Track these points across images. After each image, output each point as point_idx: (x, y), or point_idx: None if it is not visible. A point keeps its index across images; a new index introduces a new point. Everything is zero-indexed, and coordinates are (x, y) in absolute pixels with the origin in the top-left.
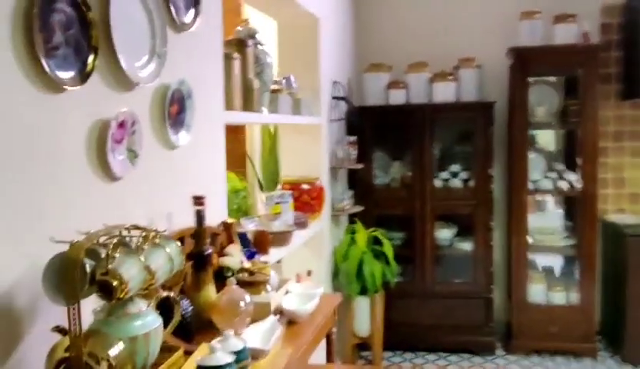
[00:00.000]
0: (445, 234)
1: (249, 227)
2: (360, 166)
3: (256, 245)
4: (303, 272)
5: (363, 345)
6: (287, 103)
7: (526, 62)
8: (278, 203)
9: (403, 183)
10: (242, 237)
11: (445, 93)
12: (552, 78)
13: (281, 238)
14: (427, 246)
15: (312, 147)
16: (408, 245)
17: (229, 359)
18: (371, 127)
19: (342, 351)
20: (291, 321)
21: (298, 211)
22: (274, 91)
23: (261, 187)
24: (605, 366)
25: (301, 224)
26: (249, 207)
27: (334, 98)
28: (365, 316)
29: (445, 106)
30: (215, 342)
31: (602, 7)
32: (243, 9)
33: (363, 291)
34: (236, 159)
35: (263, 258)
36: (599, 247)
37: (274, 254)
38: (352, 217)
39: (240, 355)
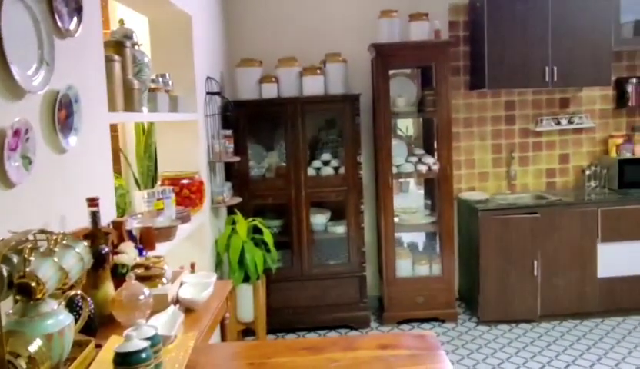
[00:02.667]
0: (319, 219)
1: (134, 224)
2: (237, 159)
3: (142, 242)
4: (187, 265)
5: (247, 331)
6: (165, 101)
7: (386, 57)
8: (160, 199)
9: (278, 173)
10: (129, 235)
11: (314, 86)
12: (410, 71)
13: (166, 233)
14: (303, 232)
15: (190, 142)
16: (286, 232)
17: (145, 344)
18: (245, 120)
19: (228, 338)
20: (188, 309)
21: (180, 205)
22: (152, 90)
23: (138, 185)
24: (465, 327)
25: (183, 218)
26: (126, 204)
27: (208, 93)
28: (249, 303)
29: (315, 99)
30: (129, 331)
31: (450, 6)
32: (110, 6)
33: (245, 279)
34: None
35: (150, 254)
36: (456, 222)
37: (160, 249)
38: (232, 209)
39: (153, 340)
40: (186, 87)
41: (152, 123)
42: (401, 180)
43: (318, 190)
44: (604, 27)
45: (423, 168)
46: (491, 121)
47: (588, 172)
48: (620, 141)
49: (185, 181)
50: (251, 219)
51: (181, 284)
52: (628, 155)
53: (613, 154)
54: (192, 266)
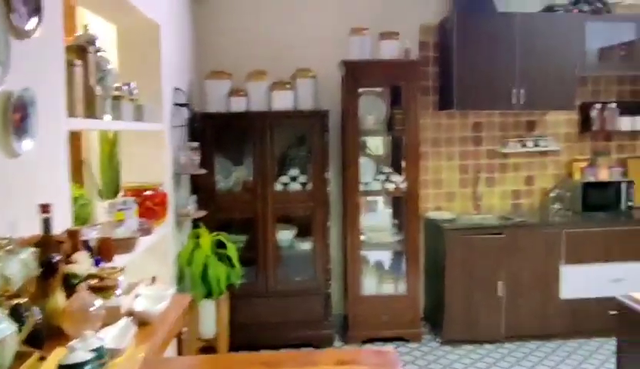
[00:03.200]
0: (285, 235)
1: (92, 234)
2: (202, 171)
3: (100, 253)
4: (148, 278)
5: (209, 348)
6: (129, 109)
7: (356, 74)
8: (121, 210)
9: (245, 187)
10: (85, 245)
11: (283, 101)
12: (380, 89)
13: (126, 245)
14: (269, 247)
15: (155, 153)
16: (251, 247)
17: (89, 356)
18: (213, 133)
19: (186, 354)
20: (143, 323)
21: (142, 217)
22: (116, 98)
23: (101, 195)
24: (429, 347)
25: (145, 231)
26: (88, 215)
27: (175, 104)
28: (211, 319)
29: (284, 114)
30: (74, 342)
31: (421, 27)
32: (78, 13)
33: (208, 295)
34: (72, 166)
35: (108, 265)
36: (422, 241)
37: (118, 260)
38: (196, 222)
39: (99, 352)
40: (152, 96)
41: (118, 132)
42: (369, 198)
43: (285, 205)
44: (570, 52)
45: (391, 186)
46: (459, 142)
47: (552, 194)
48: (584, 164)
49: (148, 193)
50: (215, 233)
51: (137, 296)
52: (592, 179)
53: (577, 177)
54: (153, 279)
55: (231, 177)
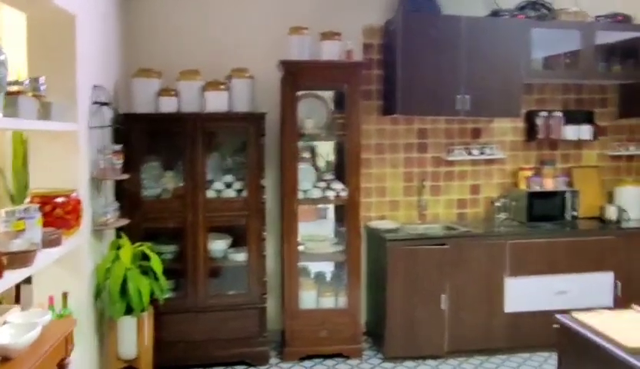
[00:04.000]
0: (218, 245)
1: None
2: (125, 176)
3: None
4: (57, 294)
5: None
6: (31, 106)
7: (295, 76)
8: (21, 219)
9: (175, 194)
10: None
11: (217, 102)
12: (321, 92)
13: (22, 259)
14: (199, 259)
15: (68, 156)
16: (180, 259)
17: None
18: (140, 135)
19: None
20: (5, 358)
21: (51, 226)
22: (12, 93)
23: (13, 201)
24: (369, 364)
25: (52, 242)
26: None
27: (95, 103)
28: (132, 337)
29: (218, 116)
30: None
31: (364, 28)
32: None
33: (128, 310)
34: None
35: None
36: (364, 252)
37: (12, 277)
38: (120, 232)
39: None
40: (66, 94)
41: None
42: (309, 206)
43: (218, 214)
44: (515, 59)
45: (331, 194)
46: (404, 149)
47: (497, 204)
48: (529, 173)
49: (59, 200)
50: (138, 244)
51: (4, 324)
52: (537, 188)
53: (522, 186)
54: (65, 296)
55: (161, 183)
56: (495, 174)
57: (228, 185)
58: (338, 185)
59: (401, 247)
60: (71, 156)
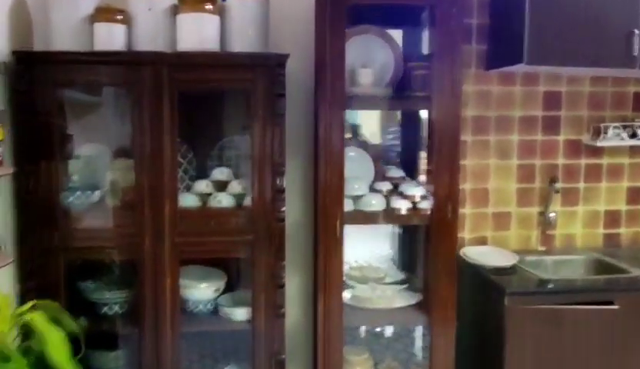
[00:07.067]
0: (202, 292)
1: None
2: (9, 171)
3: None
4: None
5: None
6: None
7: None
8: None
9: (124, 202)
10: None
11: (199, 35)
12: (380, 29)
13: None
14: (165, 314)
15: None
16: (131, 316)
17: None
18: (53, 93)
19: None
20: None
21: None
22: None
23: None
24: None
25: None
26: None
27: None
28: None
29: (201, 59)
30: None
31: None
32: None
33: None
34: None
35: None
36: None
37: None
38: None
39: None
40: None
41: None
42: (355, 225)
43: (201, 238)
44: None
45: (402, 205)
46: (520, 126)
47: None
48: None
49: None
50: (29, 305)
51: None
52: None
53: None
54: None
55: (96, 181)
56: None
57: (221, 186)
58: (413, 188)
59: (530, 308)
60: None
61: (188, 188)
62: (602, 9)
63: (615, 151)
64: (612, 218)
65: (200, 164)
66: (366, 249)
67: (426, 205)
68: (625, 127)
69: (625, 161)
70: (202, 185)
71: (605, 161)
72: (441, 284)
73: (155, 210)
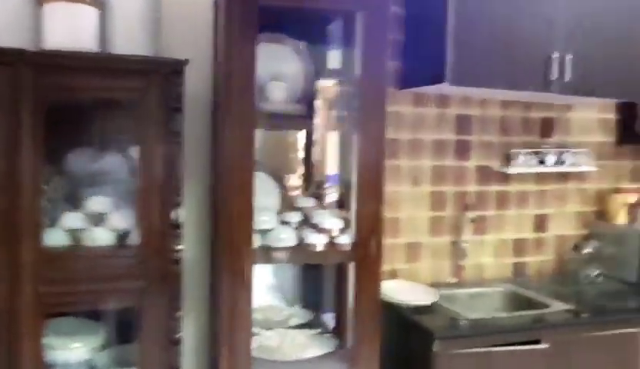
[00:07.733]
0: (75, 353)
1: None
2: None
3: None
4: None
5: None
6: None
7: None
8: None
9: None
10: None
11: (72, 30)
12: (291, 41)
13: None
14: None
15: None
16: None
17: None
18: None
19: None
20: None
21: None
22: None
23: None
24: None
25: None
26: None
27: None
28: None
29: (75, 60)
30: None
31: None
32: None
33: None
34: None
35: None
36: None
37: None
38: None
39: None
40: None
41: None
42: (259, 264)
43: (72, 286)
44: None
45: (318, 240)
46: (433, 150)
47: (585, 250)
48: (633, 198)
49: None
50: None
51: None
52: None
53: (620, 219)
54: None
55: None
56: (570, 197)
57: (97, 220)
58: (330, 221)
59: (460, 353)
60: None
61: (55, 222)
62: (521, 31)
63: (522, 177)
64: (519, 247)
65: (71, 192)
66: (262, 285)
67: (345, 240)
68: (536, 153)
69: (531, 187)
70: (73, 218)
71: (512, 187)
72: (365, 329)
73: (10, 251)
